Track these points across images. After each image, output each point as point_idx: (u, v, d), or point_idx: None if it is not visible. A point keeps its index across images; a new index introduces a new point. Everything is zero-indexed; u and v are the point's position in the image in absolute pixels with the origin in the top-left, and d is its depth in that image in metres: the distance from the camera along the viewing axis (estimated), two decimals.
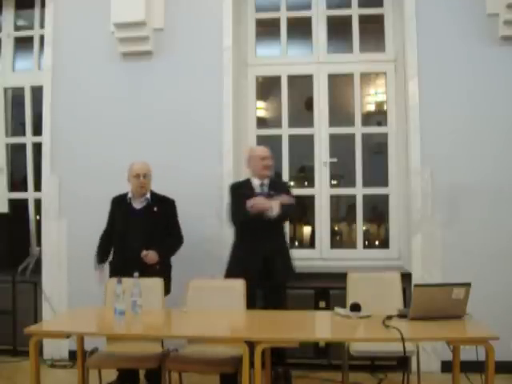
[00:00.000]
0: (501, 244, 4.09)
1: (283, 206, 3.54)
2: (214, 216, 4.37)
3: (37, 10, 5.01)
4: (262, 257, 3.60)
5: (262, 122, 4.92)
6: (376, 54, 4.61)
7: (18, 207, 5.01)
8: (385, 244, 4.66)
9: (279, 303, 3.57)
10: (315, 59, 4.67)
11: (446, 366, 3.77)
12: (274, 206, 3.51)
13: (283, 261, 3.71)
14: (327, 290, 4.20)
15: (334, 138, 4.64)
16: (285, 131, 4.71)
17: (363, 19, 4.63)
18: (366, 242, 4.70)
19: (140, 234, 3.72)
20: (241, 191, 3.70)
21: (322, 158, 4.61)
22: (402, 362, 3.57)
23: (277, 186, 3.75)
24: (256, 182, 3.76)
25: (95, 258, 3.86)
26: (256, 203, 3.51)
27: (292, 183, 4.86)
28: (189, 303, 3.42)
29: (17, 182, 5.19)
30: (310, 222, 4.80)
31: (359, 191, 4.60)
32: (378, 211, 4.86)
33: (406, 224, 4.40)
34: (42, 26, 4.89)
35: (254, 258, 3.59)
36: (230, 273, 3.71)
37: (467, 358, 2.95)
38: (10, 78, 5.09)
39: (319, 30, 4.66)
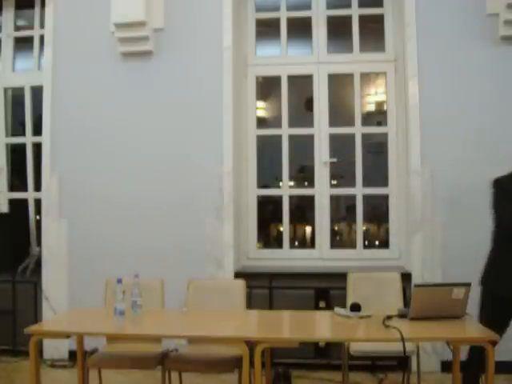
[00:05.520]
0: None
1: None
2: (214, 216, 4.37)
3: (37, 10, 5.01)
4: None
5: (262, 122, 4.92)
6: (376, 54, 4.61)
7: (18, 207, 5.01)
8: (385, 244, 4.66)
9: None
10: (315, 59, 4.67)
11: (446, 366, 3.77)
12: None
13: None
14: (327, 290, 4.20)
15: (334, 138, 4.64)
16: (285, 131, 4.71)
17: (363, 19, 4.63)
18: (366, 242, 4.70)
19: None
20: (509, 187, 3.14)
21: (321, 157, 4.61)
22: (402, 362, 3.57)
23: None
24: None
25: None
26: None
27: (292, 183, 4.87)
28: (189, 303, 3.42)
29: (17, 182, 5.19)
30: (310, 222, 4.80)
31: (359, 191, 4.60)
32: (378, 211, 4.86)
33: (405, 224, 4.40)
34: (42, 26, 4.89)
35: None
36: (491, 283, 3.10)
37: None
38: (10, 78, 5.09)
39: (319, 30, 4.66)
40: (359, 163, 4.59)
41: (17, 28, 5.12)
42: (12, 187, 5.12)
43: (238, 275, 4.21)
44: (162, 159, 4.45)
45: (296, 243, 4.95)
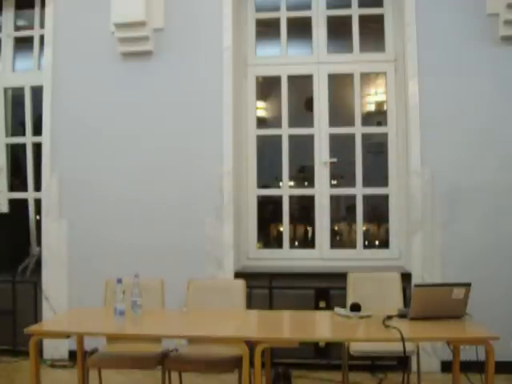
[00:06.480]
0: (500, 244, 4.09)
1: None
2: (214, 216, 4.37)
3: (37, 10, 5.02)
4: None
5: (262, 122, 4.92)
6: (376, 54, 4.61)
7: (18, 207, 5.02)
8: (385, 244, 4.66)
9: None
10: (315, 59, 4.67)
11: (446, 366, 3.77)
12: None
13: None
14: (327, 290, 4.21)
15: (334, 138, 4.64)
16: (285, 131, 4.71)
17: (363, 19, 4.63)
18: (366, 242, 4.71)
19: None
20: None
21: (321, 157, 4.61)
22: (401, 362, 3.57)
23: None
24: None
25: None
26: None
27: (292, 183, 4.87)
28: (189, 303, 3.42)
29: (17, 182, 5.19)
30: (310, 222, 4.80)
31: (359, 191, 4.60)
32: (378, 211, 4.86)
33: (405, 224, 4.40)
34: (42, 26, 4.89)
35: None
36: None
37: (467, 358, 2.95)
38: (10, 78, 5.10)
39: (319, 30, 4.66)
40: (359, 163, 4.59)
41: (17, 28, 5.12)
42: (12, 187, 5.13)
43: (237, 275, 4.21)
44: (161, 158, 4.45)
45: (296, 243, 4.95)
